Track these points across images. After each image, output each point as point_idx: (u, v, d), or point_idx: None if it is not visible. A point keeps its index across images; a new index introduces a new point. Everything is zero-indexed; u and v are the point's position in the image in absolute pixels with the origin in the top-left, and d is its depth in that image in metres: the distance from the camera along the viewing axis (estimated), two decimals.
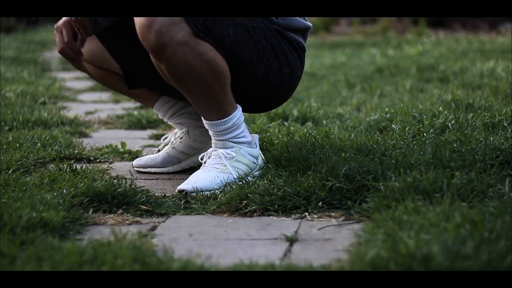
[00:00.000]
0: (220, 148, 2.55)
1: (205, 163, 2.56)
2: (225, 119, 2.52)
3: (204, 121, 2.56)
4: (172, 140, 2.92)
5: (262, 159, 2.60)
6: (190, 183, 2.46)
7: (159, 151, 2.94)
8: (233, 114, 2.52)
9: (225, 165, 2.51)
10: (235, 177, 2.49)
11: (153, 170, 2.87)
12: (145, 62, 2.55)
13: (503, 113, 3.05)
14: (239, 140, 2.55)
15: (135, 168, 2.88)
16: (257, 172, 2.56)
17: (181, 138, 2.89)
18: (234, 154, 2.53)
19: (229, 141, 2.54)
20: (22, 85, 5.08)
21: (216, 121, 2.52)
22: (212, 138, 2.57)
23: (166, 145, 2.93)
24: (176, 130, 2.94)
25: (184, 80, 2.45)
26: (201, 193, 2.42)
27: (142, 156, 3.01)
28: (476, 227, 1.74)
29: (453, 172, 2.21)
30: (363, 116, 3.58)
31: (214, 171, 2.51)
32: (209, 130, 2.56)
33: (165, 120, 2.94)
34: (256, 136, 2.62)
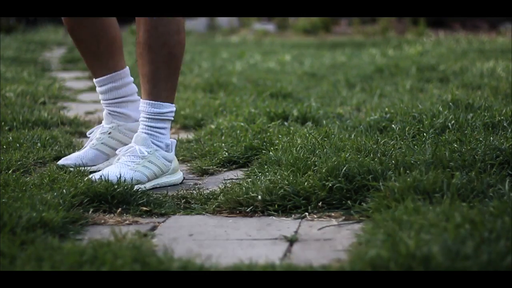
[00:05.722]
0: (139, 145, 2.58)
1: (119, 159, 2.59)
2: (163, 104, 2.60)
3: (146, 101, 2.60)
4: (98, 136, 2.85)
5: (176, 163, 2.66)
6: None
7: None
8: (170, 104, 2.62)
9: (138, 164, 2.55)
10: (145, 177, 2.55)
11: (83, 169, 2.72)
12: None
13: (503, 113, 3.05)
14: (158, 142, 2.60)
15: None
16: (170, 176, 2.62)
17: (109, 133, 2.84)
18: (147, 154, 2.57)
19: (152, 136, 2.59)
20: (22, 85, 5.07)
21: (158, 102, 2.58)
22: (139, 129, 2.61)
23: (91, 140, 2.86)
24: (102, 123, 2.86)
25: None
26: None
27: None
28: (476, 227, 1.74)
29: (453, 172, 2.21)
30: (363, 116, 3.57)
31: (125, 168, 2.54)
32: (142, 114, 2.61)
33: (101, 101, 2.85)
34: (174, 142, 2.66)
